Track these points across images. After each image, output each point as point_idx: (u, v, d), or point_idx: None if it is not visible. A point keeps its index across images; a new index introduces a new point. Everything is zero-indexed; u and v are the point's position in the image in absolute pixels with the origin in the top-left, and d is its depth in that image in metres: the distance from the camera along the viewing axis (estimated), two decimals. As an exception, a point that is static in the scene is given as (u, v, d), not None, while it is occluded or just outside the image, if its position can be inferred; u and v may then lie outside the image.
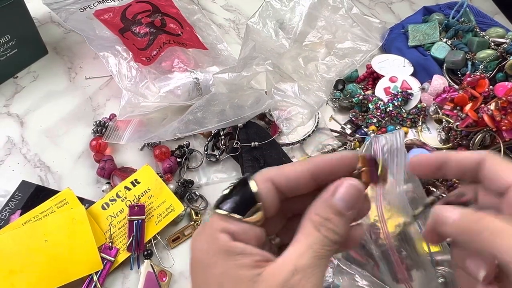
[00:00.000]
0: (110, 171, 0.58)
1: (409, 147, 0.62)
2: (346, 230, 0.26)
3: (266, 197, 0.27)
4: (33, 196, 0.55)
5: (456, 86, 0.68)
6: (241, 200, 0.26)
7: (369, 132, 0.65)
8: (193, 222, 0.56)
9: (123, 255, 0.52)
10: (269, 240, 0.29)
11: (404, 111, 0.67)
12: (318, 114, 0.66)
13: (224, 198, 0.27)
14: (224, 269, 0.25)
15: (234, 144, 0.61)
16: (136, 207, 0.53)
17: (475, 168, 0.29)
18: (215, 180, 0.61)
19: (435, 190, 0.57)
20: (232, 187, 0.27)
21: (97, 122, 0.62)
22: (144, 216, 0.53)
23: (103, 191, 0.57)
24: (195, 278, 0.26)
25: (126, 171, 0.58)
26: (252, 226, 0.26)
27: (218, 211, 0.26)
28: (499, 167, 0.28)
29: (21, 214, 0.52)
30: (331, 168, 0.28)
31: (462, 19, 0.75)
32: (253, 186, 0.27)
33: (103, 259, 0.51)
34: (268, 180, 0.27)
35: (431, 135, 0.65)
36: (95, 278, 0.50)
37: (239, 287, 0.24)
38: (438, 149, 0.62)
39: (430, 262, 0.45)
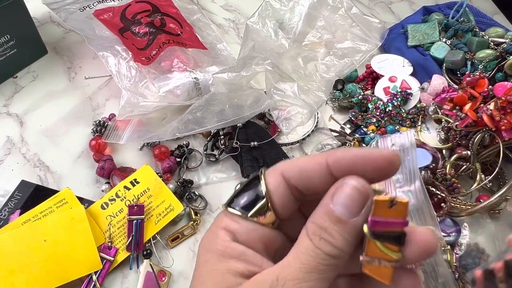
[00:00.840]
0: (110, 171, 0.58)
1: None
2: (349, 243, 0.22)
3: (275, 193, 0.23)
4: (32, 195, 0.55)
5: (456, 86, 0.68)
6: (249, 196, 0.24)
7: (368, 132, 0.65)
8: (192, 222, 0.56)
9: (122, 255, 0.52)
10: None
11: (403, 111, 0.67)
12: (317, 114, 0.66)
13: (234, 195, 0.25)
14: (211, 270, 0.23)
15: (234, 144, 0.61)
16: (135, 207, 0.53)
17: None
18: (215, 180, 0.61)
19: (434, 190, 0.57)
20: (246, 182, 0.25)
21: (97, 122, 0.62)
22: (143, 216, 0.53)
23: (102, 190, 0.57)
24: (194, 271, 0.24)
25: (125, 171, 0.58)
26: (259, 226, 0.23)
27: (224, 207, 0.24)
28: None
29: (20, 214, 0.52)
30: (354, 166, 0.22)
31: (462, 19, 0.75)
32: (262, 182, 0.24)
33: (102, 258, 0.51)
34: (278, 174, 0.24)
35: (431, 135, 0.65)
36: (94, 277, 0.50)
37: None
38: (437, 149, 0.62)
39: None
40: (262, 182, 0.24)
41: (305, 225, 0.23)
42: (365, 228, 0.22)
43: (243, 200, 0.24)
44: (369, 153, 0.22)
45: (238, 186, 0.25)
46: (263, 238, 0.23)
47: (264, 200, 0.23)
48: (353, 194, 0.22)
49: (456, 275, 0.49)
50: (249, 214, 0.23)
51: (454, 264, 0.52)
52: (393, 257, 0.22)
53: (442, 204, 0.57)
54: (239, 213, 0.24)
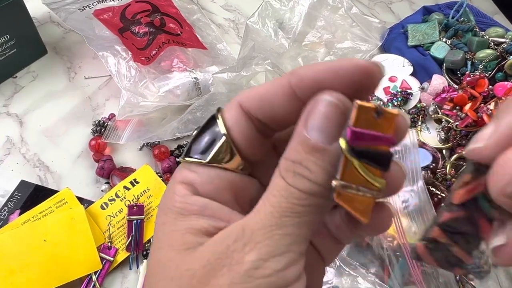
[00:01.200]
0: (109, 171, 0.58)
1: (408, 147, 0.62)
2: (330, 175, 0.17)
3: (234, 129, 0.19)
4: (32, 196, 0.55)
5: (456, 86, 0.68)
6: (206, 139, 0.20)
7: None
8: (192, 222, 0.56)
9: (122, 255, 0.52)
10: None
11: (403, 110, 0.67)
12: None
13: (192, 143, 0.20)
14: (169, 231, 0.19)
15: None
16: (135, 207, 0.53)
17: None
18: (215, 180, 0.61)
19: (434, 190, 0.57)
20: (202, 125, 0.21)
21: (96, 122, 0.62)
22: (143, 216, 0.53)
23: (102, 191, 0.57)
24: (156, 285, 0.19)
25: (125, 171, 0.58)
26: (223, 172, 0.19)
27: (180, 159, 0.20)
28: None
29: (20, 214, 0.52)
30: (323, 81, 0.18)
31: (462, 19, 0.75)
32: (219, 119, 0.20)
33: (102, 259, 0.51)
34: (236, 107, 0.19)
35: (431, 135, 0.65)
36: (94, 278, 0.50)
37: (173, 253, 0.18)
38: (437, 149, 0.62)
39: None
40: (219, 119, 0.20)
41: (279, 163, 0.18)
42: (343, 142, 0.17)
43: (200, 145, 0.20)
44: (340, 64, 0.17)
45: (195, 132, 0.21)
46: (230, 186, 0.19)
47: (223, 138, 0.19)
48: (329, 112, 0.17)
49: (457, 277, 0.49)
50: (207, 159, 0.19)
51: None
52: (375, 184, 0.17)
53: (442, 204, 0.57)
54: (195, 160, 0.20)
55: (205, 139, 0.20)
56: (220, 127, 0.19)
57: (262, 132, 0.20)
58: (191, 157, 0.20)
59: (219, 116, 0.20)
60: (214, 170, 0.19)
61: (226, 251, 0.17)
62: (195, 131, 0.20)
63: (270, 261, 0.17)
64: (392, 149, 0.17)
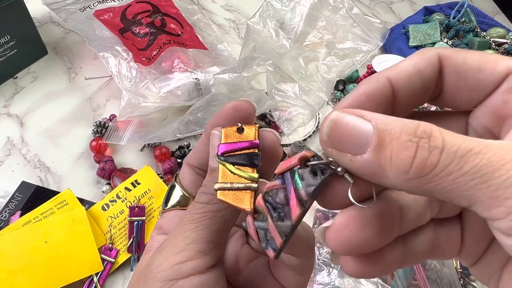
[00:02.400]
0: (110, 172, 0.57)
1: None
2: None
3: (184, 180, 0.26)
4: (33, 197, 0.55)
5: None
6: (169, 193, 0.27)
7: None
8: (193, 223, 0.56)
9: (123, 256, 0.52)
10: None
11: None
12: (318, 114, 0.66)
13: (165, 198, 0.28)
14: (139, 264, 0.25)
15: (235, 144, 0.61)
16: (136, 208, 0.53)
17: (435, 75, 0.20)
18: (216, 181, 0.61)
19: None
20: (169, 187, 0.28)
21: (97, 122, 0.62)
22: (144, 217, 0.53)
23: (103, 191, 0.56)
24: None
25: (126, 172, 0.58)
26: (180, 212, 0.26)
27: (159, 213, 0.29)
28: (472, 59, 0.20)
29: (21, 215, 0.52)
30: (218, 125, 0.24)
31: (463, 19, 0.75)
32: (176, 182, 0.28)
33: (103, 260, 0.51)
34: (186, 166, 0.27)
35: (432, 136, 0.65)
36: (95, 279, 0.49)
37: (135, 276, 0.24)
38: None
39: None
40: (175, 180, 0.27)
41: None
42: (216, 155, 0.22)
43: (167, 198, 0.27)
44: (222, 113, 0.24)
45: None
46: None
47: (177, 186, 0.27)
48: (213, 141, 0.23)
49: (462, 281, 0.49)
50: (167, 206, 0.27)
51: (459, 270, 0.52)
52: (245, 176, 0.21)
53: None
54: (161, 208, 0.27)
55: (170, 196, 0.27)
56: (177, 185, 0.27)
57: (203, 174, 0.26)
58: (162, 208, 0.27)
59: (175, 178, 0.27)
60: (173, 212, 0.26)
61: (150, 261, 0.23)
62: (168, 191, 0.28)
63: (168, 259, 0.22)
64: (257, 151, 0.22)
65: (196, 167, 0.26)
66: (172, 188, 0.27)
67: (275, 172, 0.20)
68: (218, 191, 0.21)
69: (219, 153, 0.22)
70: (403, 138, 0.16)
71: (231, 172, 0.22)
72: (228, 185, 0.21)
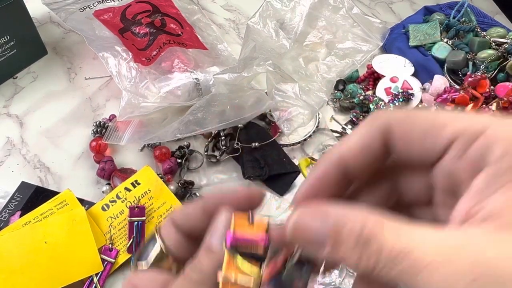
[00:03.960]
0: (110, 172, 0.57)
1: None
2: (214, 267, 0.22)
3: (168, 239, 0.25)
4: (33, 197, 0.55)
5: (457, 87, 0.67)
6: (147, 251, 0.25)
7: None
8: (193, 223, 0.56)
9: (123, 257, 0.52)
10: None
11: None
12: (318, 114, 0.66)
13: (138, 256, 0.26)
14: None
15: (235, 144, 0.61)
16: (136, 208, 0.53)
17: (383, 148, 0.22)
18: (216, 181, 0.61)
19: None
20: (148, 239, 0.26)
21: (97, 123, 0.62)
22: (144, 218, 0.53)
23: (103, 192, 0.56)
24: None
25: (126, 172, 0.58)
26: (159, 274, 0.24)
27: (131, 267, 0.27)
28: (420, 124, 0.21)
29: (21, 216, 0.52)
30: (221, 204, 0.24)
31: (463, 19, 0.75)
32: (156, 234, 0.26)
33: (103, 260, 0.50)
34: (170, 223, 0.25)
35: (432, 136, 0.65)
36: (95, 279, 0.49)
37: None
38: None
39: None
40: (156, 234, 0.25)
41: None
42: (223, 244, 0.22)
43: (144, 254, 0.25)
44: (231, 195, 0.24)
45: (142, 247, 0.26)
46: (164, 283, 0.23)
47: (159, 248, 0.25)
48: (219, 220, 0.23)
49: None
50: (147, 263, 0.25)
51: None
52: (250, 274, 0.21)
53: None
54: (137, 266, 0.25)
55: (147, 250, 0.25)
56: (158, 241, 0.25)
57: (189, 238, 0.25)
58: (135, 264, 0.25)
59: (156, 232, 0.25)
60: (152, 273, 0.24)
61: None
62: (142, 246, 0.26)
63: None
64: (263, 247, 0.22)
65: (181, 228, 0.25)
66: (151, 241, 0.26)
67: (264, 280, 0.22)
68: (221, 283, 0.21)
69: (228, 242, 0.21)
70: (351, 242, 0.18)
71: (237, 265, 0.21)
72: (232, 280, 0.21)
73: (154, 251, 0.25)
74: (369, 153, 0.22)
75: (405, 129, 0.21)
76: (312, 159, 0.63)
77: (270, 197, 0.58)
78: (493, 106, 0.58)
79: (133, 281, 0.24)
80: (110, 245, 0.52)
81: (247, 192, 0.24)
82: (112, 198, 0.54)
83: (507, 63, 0.66)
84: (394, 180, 0.24)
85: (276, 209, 0.57)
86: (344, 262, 0.19)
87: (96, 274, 0.50)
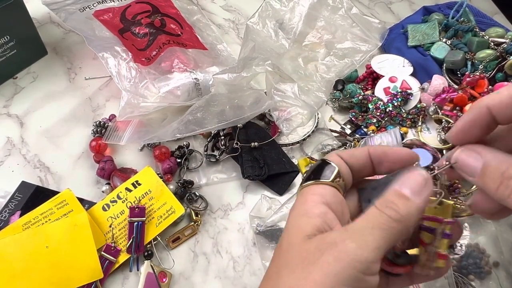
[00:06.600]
0: (110, 172, 0.58)
1: (408, 147, 0.62)
2: (409, 216, 0.27)
3: (341, 168, 0.30)
4: (33, 197, 0.55)
5: (456, 86, 0.68)
6: (323, 170, 0.30)
7: (369, 132, 0.65)
8: (193, 223, 0.56)
9: (123, 256, 0.52)
10: None
11: (403, 111, 0.67)
12: (317, 114, 0.66)
13: (307, 177, 0.31)
14: (296, 222, 0.28)
15: (234, 144, 0.61)
16: (136, 209, 0.53)
17: None
18: (215, 181, 0.61)
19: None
20: (311, 169, 0.31)
21: (97, 122, 0.62)
22: (144, 218, 0.53)
23: (103, 191, 0.57)
24: (283, 256, 0.28)
25: (126, 172, 0.58)
26: (337, 192, 0.30)
27: (305, 183, 0.30)
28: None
29: (21, 215, 0.52)
30: (385, 156, 0.31)
31: (462, 19, 0.75)
32: (328, 160, 0.31)
33: (104, 259, 0.51)
34: (336, 155, 0.31)
35: (431, 135, 0.65)
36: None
37: (297, 238, 0.28)
38: (438, 149, 0.62)
39: None
40: (329, 160, 0.31)
41: (372, 205, 0.28)
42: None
43: (319, 174, 0.30)
44: (394, 151, 0.31)
45: (308, 172, 0.31)
46: (340, 201, 0.30)
47: (336, 169, 0.30)
48: (418, 179, 0.27)
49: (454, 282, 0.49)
50: (331, 179, 0.30)
51: (453, 266, 0.52)
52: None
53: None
54: (325, 180, 0.30)
55: (321, 171, 0.31)
56: (334, 165, 0.31)
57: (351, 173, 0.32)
58: (319, 179, 0.30)
59: (330, 160, 0.31)
60: (333, 189, 0.30)
61: (332, 241, 0.26)
62: (308, 172, 0.32)
63: (363, 251, 0.26)
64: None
65: (346, 162, 0.31)
66: (326, 166, 0.31)
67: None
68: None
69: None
70: (495, 175, 0.26)
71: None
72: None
73: (330, 172, 0.30)
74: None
75: None
76: (311, 158, 0.63)
77: (261, 197, 0.58)
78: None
79: (317, 192, 0.29)
80: (113, 244, 0.52)
81: (406, 152, 0.31)
82: (113, 198, 0.55)
83: (506, 62, 0.66)
84: None
85: (267, 210, 0.57)
86: (485, 187, 0.27)
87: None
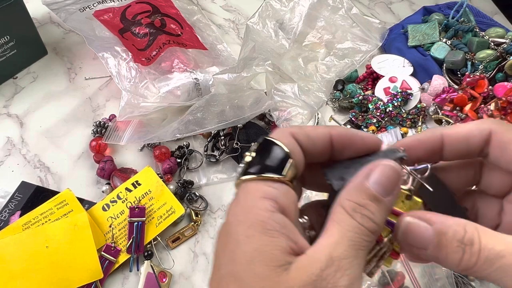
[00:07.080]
0: (110, 172, 0.58)
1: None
2: (383, 220, 0.23)
3: (294, 151, 0.24)
4: (33, 197, 0.55)
5: (456, 86, 0.68)
6: (273, 159, 0.23)
7: (369, 132, 0.65)
8: (193, 223, 0.56)
9: (123, 256, 0.52)
10: (304, 232, 0.25)
11: (403, 111, 0.67)
12: (318, 114, 0.66)
13: (250, 164, 0.23)
14: (258, 246, 0.21)
15: (234, 144, 0.61)
16: (136, 209, 0.53)
17: (481, 145, 0.26)
18: (215, 181, 0.61)
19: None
20: (255, 151, 0.24)
21: (97, 122, 0.62)
22: (144, 218, 0.53)
23: (103, 191, 0.57)
24: (221, 254, 0.22)
25: (126, 172, 0.58)
26: (290, 189, 0.23)
27: (249, 176, 0.23)
28: (509, 138, 0.25)
29: (21, 215, 0.52)
30: (350, 142, 0.26)
31: (462, 19, 0.75)
32: (280, 144, 0.23)
33: (104, 259, 0.51)
34: (290, 136, 0.24)
35: (431, 136, 0.65)
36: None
37: (268, 270, 0.20)
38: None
39: None
40: (280, 144, 0.24)
41: (338, 204, 0.23)
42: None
43: (266, 164, 0.23)
44: (364, 137, 0.26)
45: (250, 157, 0.24)
46: (294, 201, 0.23)
47: (291, 160, 0.23)
48: (390, 174, 0.23)
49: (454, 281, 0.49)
50: (284, 173, 0.23)
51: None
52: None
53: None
54: (276, 175, 0.22)
55: (268, 158, 0.23)
56: (285, 150, 0.24)
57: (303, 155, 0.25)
58: (258, 173, 0.23)
59: (279, 141, 0.24)
60: (285, 186, 0.23)
61: (321, 274, 0.20)
62: (250, 156, 0.24)
63: (354, 284, 0.21)
64: None
65: (300, 143, 0.25)
66: (274, 152, 0.23)
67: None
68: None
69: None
70: (454, 244, 0.22)
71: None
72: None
73: (286, 162, 0.23)
74: (469, 145, 0.26)
75: (504, 139, 0.25)
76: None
77: None
78: (492, 106, 0.58)
79: (270, 192, 0.22)
80: (113, 244, 0.52)
81: (372, 140, 0.26)
82: (113, 198, 0.55)
83: (506, 63, 0.66)
84: (480, 170, 0.28)
85: None
86: (443, 261, 0.23)
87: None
